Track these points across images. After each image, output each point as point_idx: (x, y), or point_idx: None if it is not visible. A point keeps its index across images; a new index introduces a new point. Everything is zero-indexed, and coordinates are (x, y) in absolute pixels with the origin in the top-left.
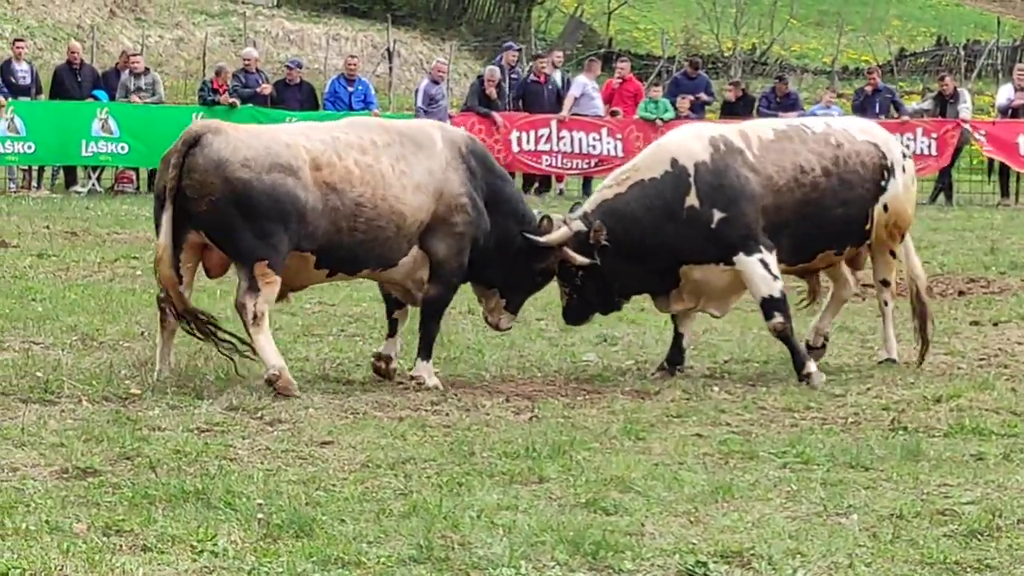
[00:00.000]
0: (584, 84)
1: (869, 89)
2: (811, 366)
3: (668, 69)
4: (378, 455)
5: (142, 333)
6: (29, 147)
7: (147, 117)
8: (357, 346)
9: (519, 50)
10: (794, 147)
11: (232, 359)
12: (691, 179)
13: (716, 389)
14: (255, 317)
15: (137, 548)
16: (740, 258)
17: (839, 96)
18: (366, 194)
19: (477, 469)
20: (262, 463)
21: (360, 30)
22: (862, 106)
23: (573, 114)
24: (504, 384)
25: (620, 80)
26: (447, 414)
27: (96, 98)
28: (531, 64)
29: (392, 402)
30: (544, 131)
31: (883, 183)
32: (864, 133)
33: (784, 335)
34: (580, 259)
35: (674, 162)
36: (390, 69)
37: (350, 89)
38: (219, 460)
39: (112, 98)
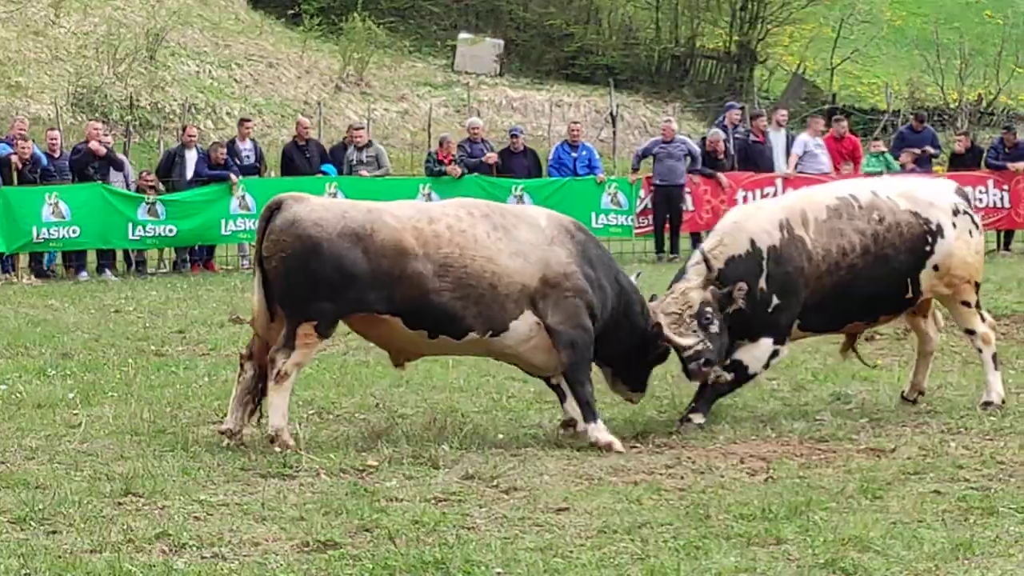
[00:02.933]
0: (806, 142)
1: None
2: (698, 419)
3: (893, 123)
4: (614, 520)
5: (377, 405)
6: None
7: (375, 190)
8: None
9: (741, 109)
10: (840, 226)
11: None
12: (764, 262)
13: (953, 444)
14: (279, 374)
15: None
16: (765, 339)
17: None
18: (453, 253)
19: (714, 532)
20: (499, 531)
21: (582, 95)
22: None
23: (798, 172)
24: (738, 445)
25: (839, 137)
26: (682, 477)
27: (325, 173)
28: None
29: (626, 467)
30: (770, 190)
31: (928, 247)
32: (906, 199)
33: (714, 388)
34: (683, 342)
35: (753, 243)
36: (614, 133)
37: (574, 155)
38: (457, 529)
39: (341, 172)
